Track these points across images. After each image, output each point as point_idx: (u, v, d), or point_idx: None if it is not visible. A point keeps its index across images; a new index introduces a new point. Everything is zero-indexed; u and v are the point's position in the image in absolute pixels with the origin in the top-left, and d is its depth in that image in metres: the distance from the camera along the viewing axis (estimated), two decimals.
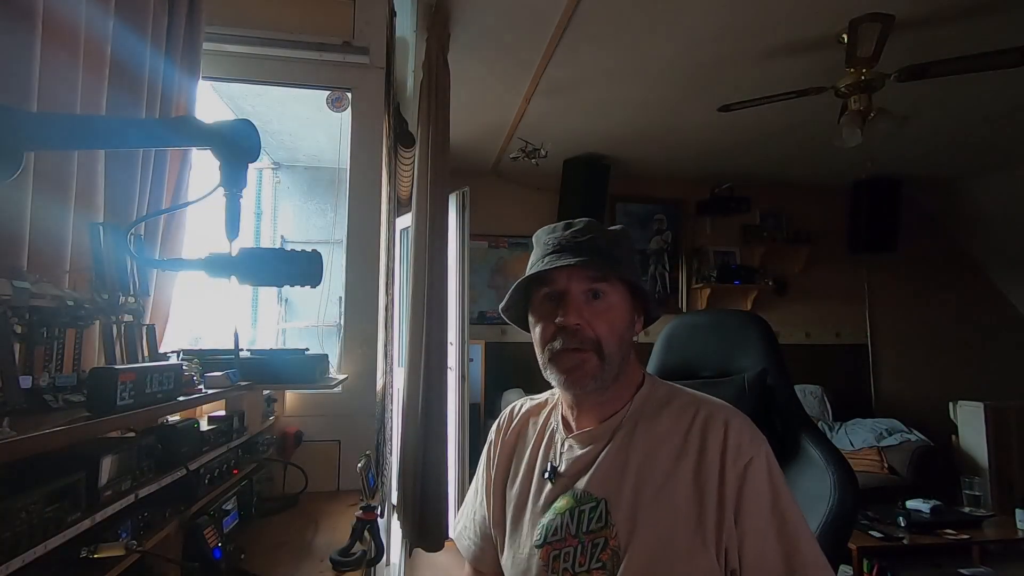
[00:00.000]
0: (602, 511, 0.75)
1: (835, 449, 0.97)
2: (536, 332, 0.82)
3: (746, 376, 1.09)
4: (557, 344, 0.77)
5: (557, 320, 0.77)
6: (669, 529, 0.71)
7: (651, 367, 1.26)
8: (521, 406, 0.96)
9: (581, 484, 0.78)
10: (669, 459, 0.75)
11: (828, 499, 0.88)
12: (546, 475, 0.82)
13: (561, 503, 0.79)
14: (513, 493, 0.87)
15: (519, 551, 0.81)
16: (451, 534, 1.00)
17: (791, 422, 1.04)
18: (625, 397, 0.82)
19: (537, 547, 0.78)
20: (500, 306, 0.87)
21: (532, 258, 0.85)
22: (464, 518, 0.97)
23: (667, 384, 0.86)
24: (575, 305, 0.77)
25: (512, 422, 0.94)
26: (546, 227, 0.86)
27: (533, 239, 0.87)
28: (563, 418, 0.87)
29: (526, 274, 0.82)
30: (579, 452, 0.81)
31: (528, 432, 0.91)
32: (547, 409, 0.92)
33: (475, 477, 0.97)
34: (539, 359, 0.82)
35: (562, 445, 0.84)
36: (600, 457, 0.79)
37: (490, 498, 0.91)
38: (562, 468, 0.81)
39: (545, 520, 0.79)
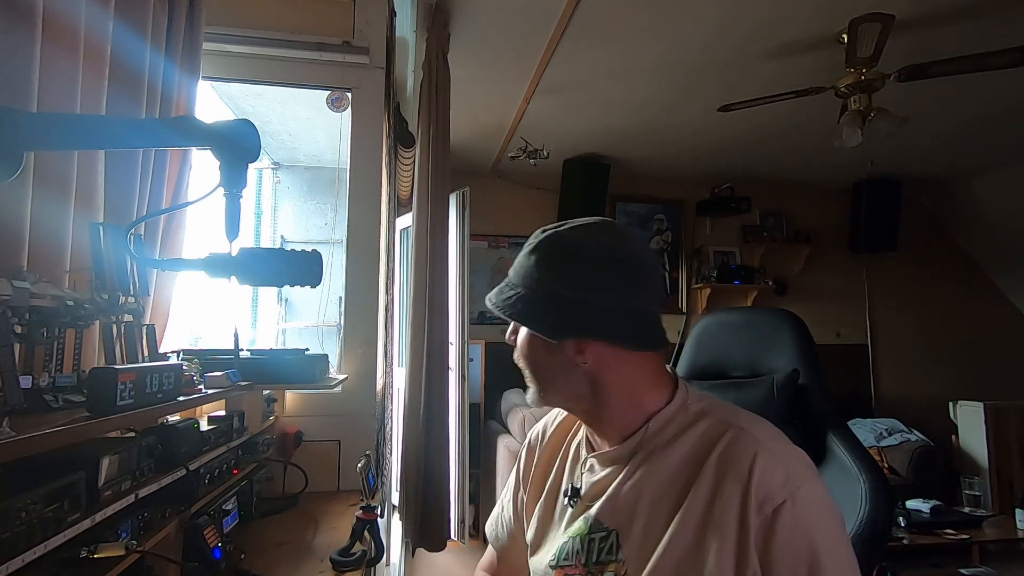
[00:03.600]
0: (613, 543, 0.70)
1: (868, 455, 0.89)
2: None
3: (775, 378, 1.03)
4: None
5: None
6: (680, 568, 0.64)
7: (681, 367, 1.20)
8: (555, 420, 0.92)
9: (594, 511, 0.74)
10: (684, 489, 0.66)
11: (859, 509, 0.82)
12: (567, 495, 0.79)
13: (576, 527, 0.75)
14: (539, 510, 0.85)
15: (538, 567, 0.80)
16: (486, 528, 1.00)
17: (821, 424, 0.98)
18: (641, 418, 0.73)
19: (552, 567, 0.76)
20: None
21: None
22: (496, 509, 0.97)
23: (704, 398, 0.75)
24: (511, 328, 0.79)
25: (545, 438, 0.91)
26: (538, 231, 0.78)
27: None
28: (587, 433, 0.82)
29: None
30: (599, 474, 0.76)
31: (561, 447, 0.88)
32: (579, 421, 0.86)
33: (509, 477, 0.96)
34: None
35: (584, 464, 0.80)
36: (614, 484, 0.73)
37: (520, 515, 0.90)
38: (583, 490, 0.78)
39: (561, 541, 0.77)
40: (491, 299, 0.77)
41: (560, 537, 0.77)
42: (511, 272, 0.77)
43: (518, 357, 0.78)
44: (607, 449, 0.76)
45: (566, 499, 0.79)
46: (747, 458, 0.63)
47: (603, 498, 0.73)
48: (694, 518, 0.64)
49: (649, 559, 0.66)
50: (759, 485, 0.61)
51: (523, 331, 0.77)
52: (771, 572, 0.59)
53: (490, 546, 0.96)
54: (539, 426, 0.93)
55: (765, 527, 0.60)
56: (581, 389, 0.73)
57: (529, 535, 0.85)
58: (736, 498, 0.62)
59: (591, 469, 0.78)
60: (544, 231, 0.75)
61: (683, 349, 1.23)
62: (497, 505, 0.97)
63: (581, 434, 0.83)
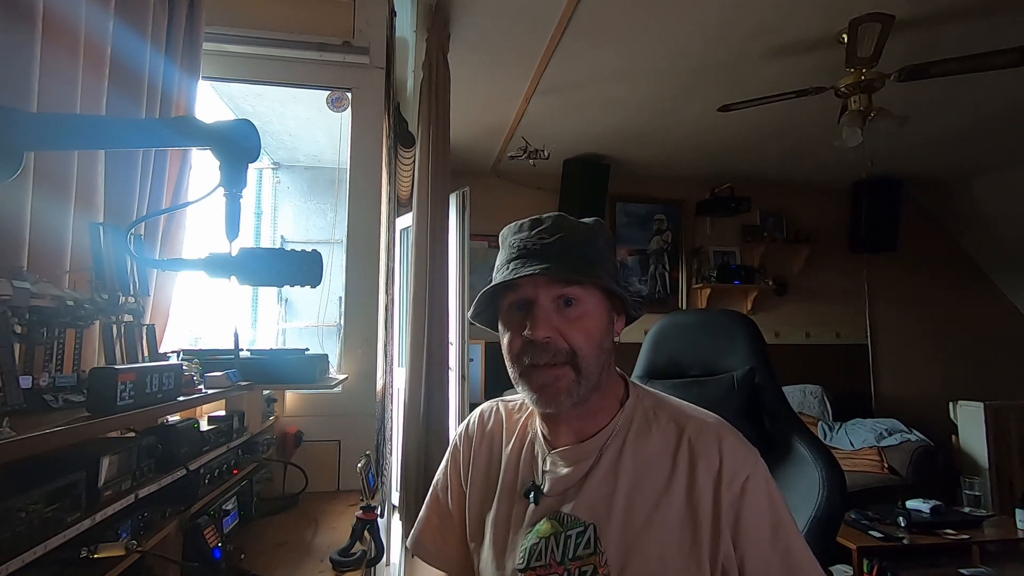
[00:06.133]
0: (590, 537, 0.70)
1: (823, 446, 0.97)
2: (504, 342, 0.75)
3: (735, 375, 1.09)
4: (527, 359, 0.71)
5: (525, 333, 0.70)
6: (663, 556, 0.67)
7: (638, 367, 1.24)
8: (492, 410, 0.88)
9: (567, 508, 0.72)
10: (659, 481, 0.70)
11: (816, 496, 0.89)
12: (529, 495, 0.76)
13: (544, 526, 0.73)
14: (492, 512, 0.80)
15: (498, 573, 0.76)
16: (408, 543, 0.90)
17: (779, 420, 1.05)
18: (609, 410, 0.76)
19: (520, 571, 0.73)
20: (469, 313, 0.80)
21: (498, 260, 0.77)
22: (425, 521, 0.88)
23: (651, 394, 0.80)
24: (544, 316, 0.70)
25: (484, 430, 0.87)
26: (512, 225, 0.77)
27: (499, 239, 0.79)
28: (542, 431, 0.80)
29: (492, 280, 0.74)
30: (564, 471, 0.75)
31: (502, 441, 0.84)
32: (523, 415, 0.85)
33: (435, 482, 0.89)
34: (509, 372, 0.75)
35: (544, 462, 0.77)
36: (588, 479, 0.73)
37: (464, 513, 0.84)
38: (545, 488, 0.75)
39: (528, 543, 0.73)
40: (551, 256, 0.71)
41: (523, 539, 0.74)
42: (547, 238, 0.72)
43: (583, 342, 0.70)
44: (569, 446, 0.76)
45: (528, 498, 0.76)
46: (714, 443, 0.71)
47: (578, 494, 0.72)
48: (675, 505, 0.69)
49: (630, 550, 0.68)
50: (729, 464, 0.69)
51: (592, 301, 0.72)
52: (741, 535, 0.66)
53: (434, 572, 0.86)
54: (471, 426, 0.89)
55: (736, 500, 0.68)
56: (605, 375, 0.75)
57: (485, 542, 0.79)
58: (711, 479, 0.69)
59: (554, 467, 0.76)
60: (561, 215, 0.76)
61: (640, 350, 1.27)
62: (426, 517, 0.88)
63: (532, 429, 0.82)
